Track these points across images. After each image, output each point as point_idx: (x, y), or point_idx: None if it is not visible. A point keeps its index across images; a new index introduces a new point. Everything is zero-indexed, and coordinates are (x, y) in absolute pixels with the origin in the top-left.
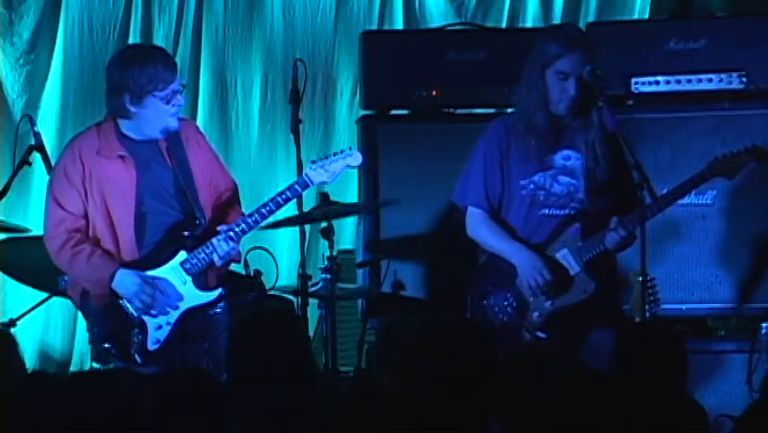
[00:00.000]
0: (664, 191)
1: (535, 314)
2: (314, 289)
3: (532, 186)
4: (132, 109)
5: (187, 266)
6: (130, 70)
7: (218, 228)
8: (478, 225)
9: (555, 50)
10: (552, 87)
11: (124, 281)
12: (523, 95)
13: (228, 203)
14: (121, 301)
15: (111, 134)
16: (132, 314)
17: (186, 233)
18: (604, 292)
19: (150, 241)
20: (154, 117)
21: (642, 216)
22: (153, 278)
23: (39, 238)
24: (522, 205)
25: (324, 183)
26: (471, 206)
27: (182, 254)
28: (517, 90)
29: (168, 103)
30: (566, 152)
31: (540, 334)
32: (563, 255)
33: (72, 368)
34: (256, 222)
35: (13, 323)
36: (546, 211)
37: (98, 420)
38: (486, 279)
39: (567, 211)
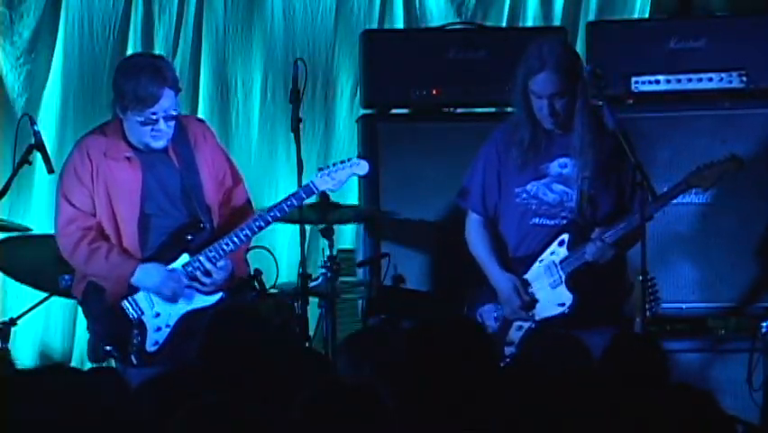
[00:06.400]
0: (665, 189)
1: (518, 326)
2: (313, 285)
3: (525, 195)
4: (121, 116)
5: (189, 269)
6: (119, 79)
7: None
8: (472, 231)
9: (528, 70)
10: (533, 104)
11: (149, 274)
12: (513, 109)
13: (239, 206)
14: (122, 303)
15: (117, 135)
16: (131, 315)
17: (189, 236)
18: (592, 301)
19: (153, 243)
20: (135, 131)
21: (642, 216)
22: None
23: (39, 237)
24: (515, 213)
25: (329, 190)
26: (471, 210)
27: (185, 257)
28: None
29: (144, 125)
30: (563, 160)
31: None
32: (547, 267)
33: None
34: (260, 227)
35: (13, 322)
36: (537, 220)
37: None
38: (481, 289)
39: (557, 221)
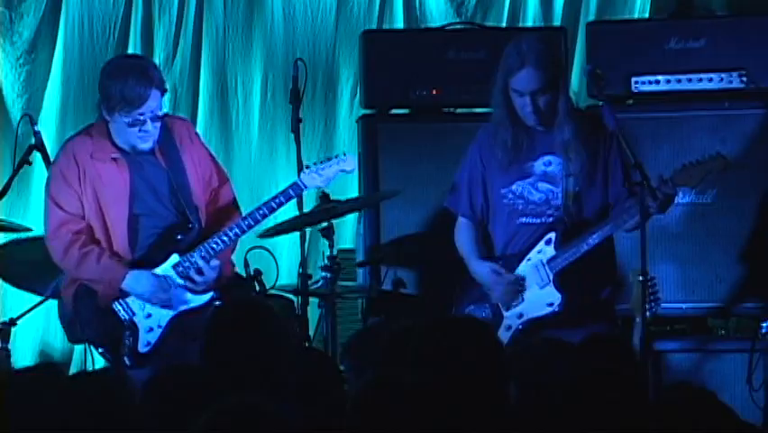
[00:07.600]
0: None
1: (506, 326)
2: (314, 287)
3: (511, 195)
4: (107, 118)
5: (180, 269)
6: (106, 81)
7: (200, 247)
8: (459, 235)
9: (509, 66)
10: (514, 102)
11: (140, 281)
12: (493, 109)
13: (225, 206)
14: (113, 304)
15: (103, 137)
16: (123, 317)
17: (179, 236)
18: (580, 299)
19: (143, 243)
20: (121, 132)
21: (642, 216)
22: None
23: (36, 239)
24: (502, 214)
25: (317, 187)
26: (460, 214)
27: (175, 258)
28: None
29: (131, 126)
30: (548, 158)
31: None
32: (535, 266)
33: (72, 368)
34: (249, 226)
35: (13, 323)
36: (524, 220)
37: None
38: (469, 288)
39: (543, 219)
